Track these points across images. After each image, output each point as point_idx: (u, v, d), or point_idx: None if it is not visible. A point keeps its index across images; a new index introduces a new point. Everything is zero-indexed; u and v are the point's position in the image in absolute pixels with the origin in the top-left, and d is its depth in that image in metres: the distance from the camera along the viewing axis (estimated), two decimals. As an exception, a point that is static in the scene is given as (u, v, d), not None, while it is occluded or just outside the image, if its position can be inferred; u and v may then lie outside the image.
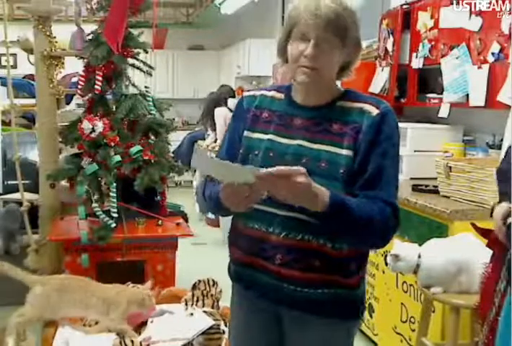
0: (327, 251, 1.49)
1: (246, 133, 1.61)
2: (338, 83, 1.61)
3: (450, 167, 2.77)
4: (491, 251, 1.85)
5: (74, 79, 4.79)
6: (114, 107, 3.05)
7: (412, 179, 3.34)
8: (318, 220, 1.40)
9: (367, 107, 1.51)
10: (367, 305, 3.33)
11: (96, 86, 2.97)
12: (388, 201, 1.46)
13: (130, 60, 3.12)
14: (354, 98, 1.55)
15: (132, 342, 2.23)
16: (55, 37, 3.25)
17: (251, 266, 1.58)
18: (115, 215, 2.92)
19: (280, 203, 1.39)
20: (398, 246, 2.43)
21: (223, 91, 6.23)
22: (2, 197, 4.09)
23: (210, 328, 2.32)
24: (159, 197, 3.18)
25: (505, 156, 1.86)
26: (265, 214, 1.52)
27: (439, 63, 3.32)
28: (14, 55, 7.00)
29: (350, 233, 1.45)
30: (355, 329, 1.65)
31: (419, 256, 2.34)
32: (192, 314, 2.41)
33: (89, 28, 3.20)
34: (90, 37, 3.12)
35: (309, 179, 1.32)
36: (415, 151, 3.41)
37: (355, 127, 1.49)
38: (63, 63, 3.33)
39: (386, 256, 2.46)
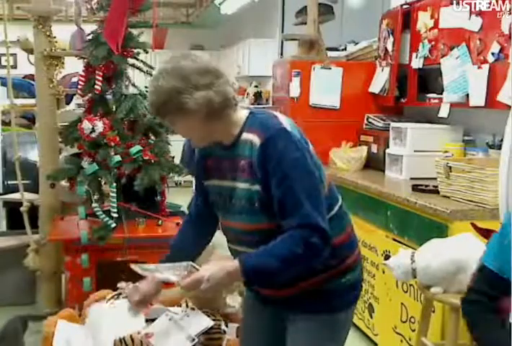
0: None
1: (204, 182, 1.74)
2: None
3: (450, 167, 2.77)
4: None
5: (74, 79, 4.81)
6: (114, 107, 3.05)
7: (412, 179, 3.34)
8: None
9: (254, 138, 1.53)
10: (367, 305, 3.34)
11: (96, 86, 2.98)
12: (304, 224, 1.49)
13: (130, 60, 3.13)
14: (250, 127, 1.56)
15: (132, 340, 2.23)
16: (55, 37, 3.25)
17: None
18: (115, 215, 2.92)
19: (240, 241, 1.61)
20: (390, 259, 2.44)
21: None
22: (2, 197, 4.10)
23: (211, 328, 2.31)
24: (158, 197, 3.19)
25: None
26: (232, 250, 1.71)
27: (439, 63, 3.31)
28: (14, 55, 7.00)
29: (285, 274, 1.56)
30: (339, 321, 1.71)
31: (413, 261, 2.34)
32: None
33: (89, 28, 3.20)
34: (90, 37, 3.12)
35: (208, 283, 1.50)
36: (414, 151, 3.41)
37: (248, 162, 1.54)
38: (63, 63, 3.34)
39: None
